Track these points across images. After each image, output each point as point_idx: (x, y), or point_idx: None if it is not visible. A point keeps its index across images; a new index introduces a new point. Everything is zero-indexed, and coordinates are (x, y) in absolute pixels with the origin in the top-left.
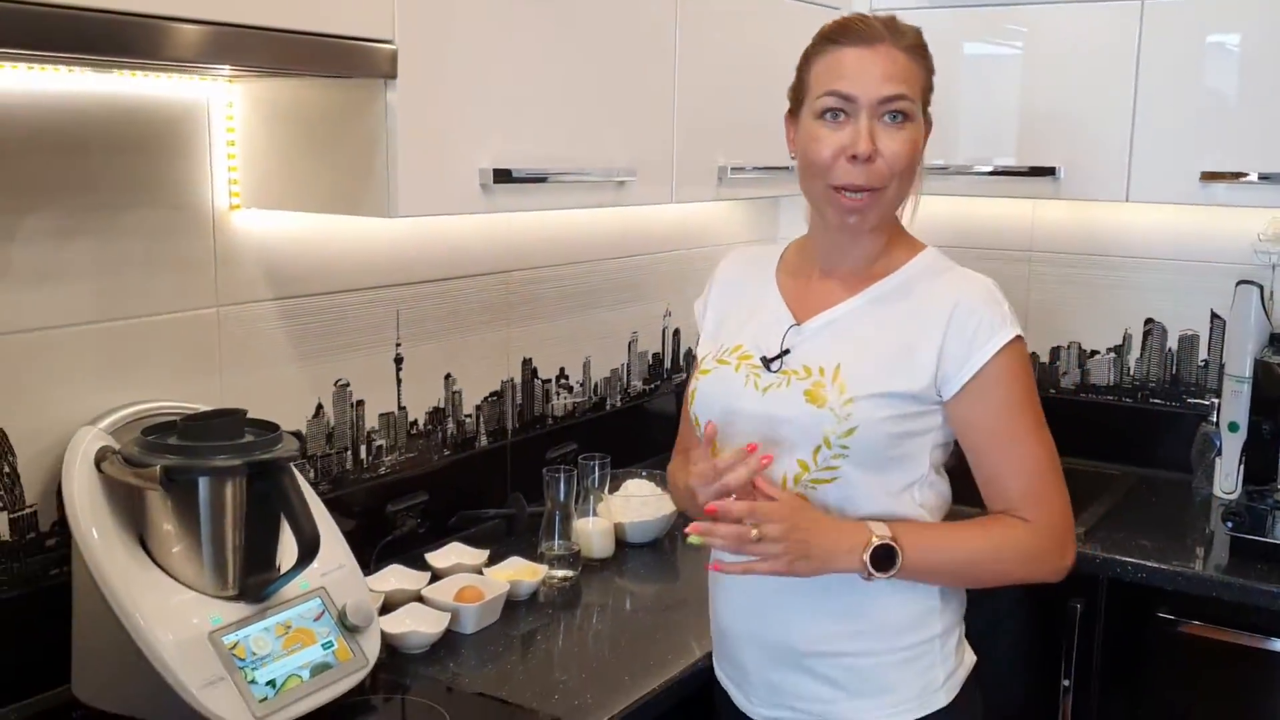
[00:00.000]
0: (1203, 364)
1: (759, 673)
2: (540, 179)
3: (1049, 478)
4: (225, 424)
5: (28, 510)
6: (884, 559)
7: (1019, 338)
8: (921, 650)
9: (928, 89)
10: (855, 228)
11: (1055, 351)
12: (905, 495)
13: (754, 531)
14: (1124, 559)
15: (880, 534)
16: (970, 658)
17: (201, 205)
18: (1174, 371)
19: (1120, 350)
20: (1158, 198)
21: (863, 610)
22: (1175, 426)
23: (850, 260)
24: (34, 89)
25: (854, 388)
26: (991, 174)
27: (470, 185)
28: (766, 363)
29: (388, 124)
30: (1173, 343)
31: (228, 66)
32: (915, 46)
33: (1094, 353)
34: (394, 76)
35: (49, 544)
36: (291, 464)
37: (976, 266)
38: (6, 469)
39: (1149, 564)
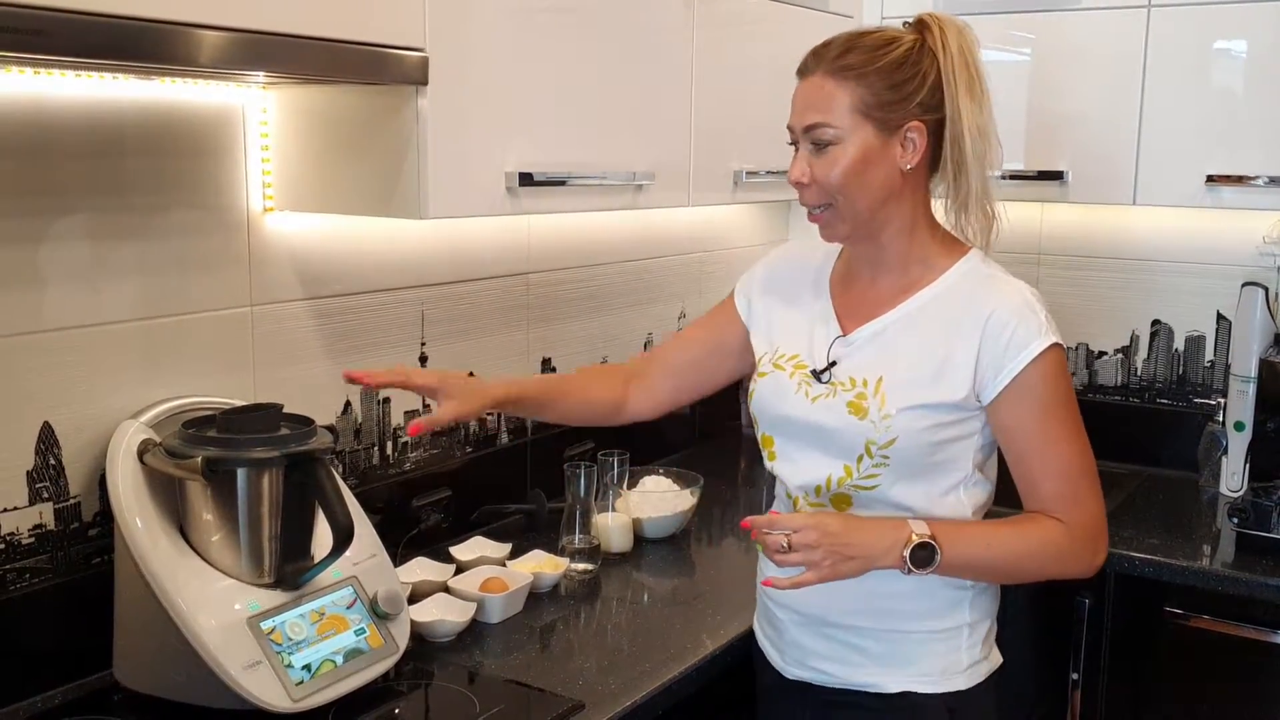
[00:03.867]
0: (1209, 364)
1: (792, 636)
2: (563, 182)
3: (1083, 481)
4: (262, 418)
5: (71, 501)
6: (923, 556)
7: (1055, 345)
8: (949, 634)
9: (868, 103)
10: (829, 239)
11: None
12: (949, 497)
13: (783, 540)
14: (1132, 554)
15: (920, 532)
16: (997, 657)
17: (237, 208)
18: (1180, 372)
19: (1128, 351)
20: (1165, 201)
21: (895, 591)
22: (1181, 426)
23: (882, 269)
24: (80, 94)
25: (894, 400)
26: (1000, 177)
27: (496, 188)
28: (816, 375)
29: (419, 129)
30: (1179, 344)
31: (263, 73)
32: (839, 68)
33: (1101, 354)
34: (425, 83)
35: (91, 533)
36: (326, 456)
37: None
38: (52, 461)
39: (1157, 559)
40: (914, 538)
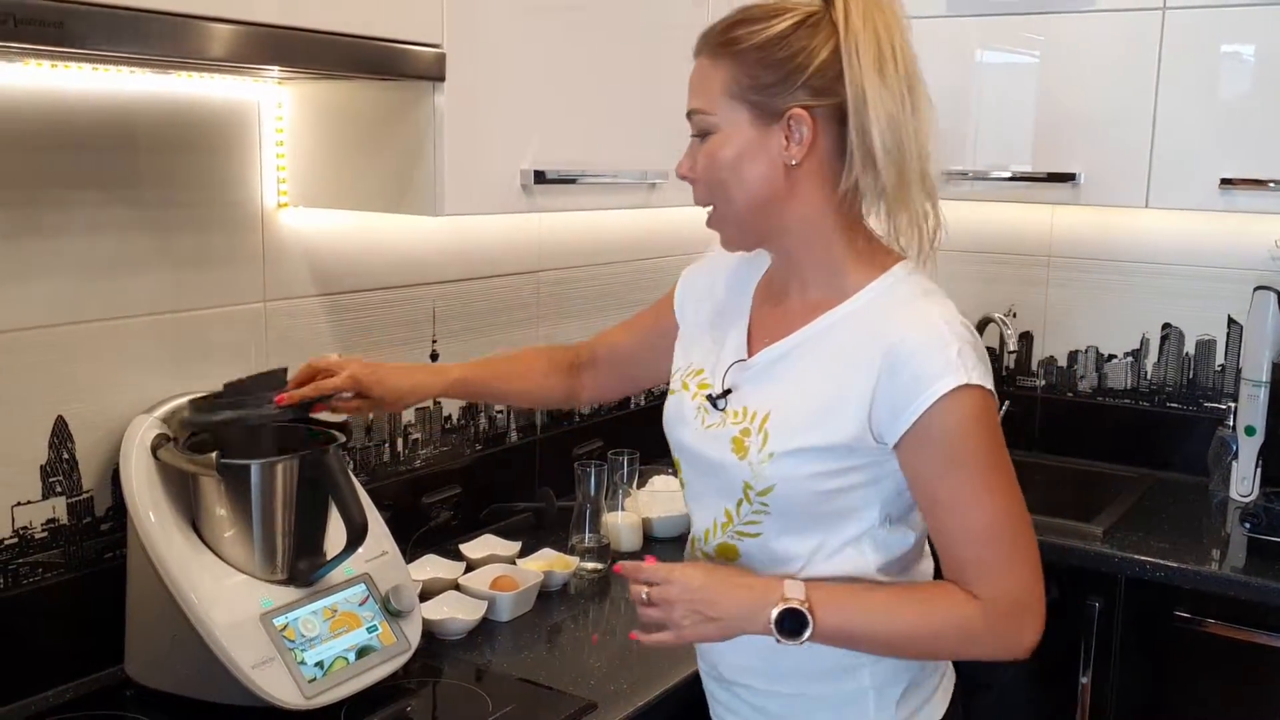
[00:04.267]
0: (1219, 369)
1: (709, 686)
2: (576, 180)
3: (1004, 547)
4: (268, 378)
5: (84, 496)
6: (792, 626)
7: (968, 387)
8: (849, 698)
9: (742, 85)
10: (726, 247)
11: (1073, 355)
12: (848, 551)
13: (644, 593)
14: (1143, 559)
15: (791, 596)
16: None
17: (251, 203)
18: (1191, 376)
19: (1138, 354)
20: (1178, 204)
21: (782, 649)
22: (1191, 430)
23: (795, 283)
24: (97, 88)
25: (776, 440)
26: (1012, 179)
27: (511, 185)
28: (713, 401)
29: (435, 125)
30: (1190, 347)
31: (280, 68)
32: (716, 45)
33: (1111, 357)
34: (442, 79)
35: (104, 528)
36: (341, 452)
37: (995, 271)
38: (66, 455)
39: (1168, 563)
40: (782, 602)
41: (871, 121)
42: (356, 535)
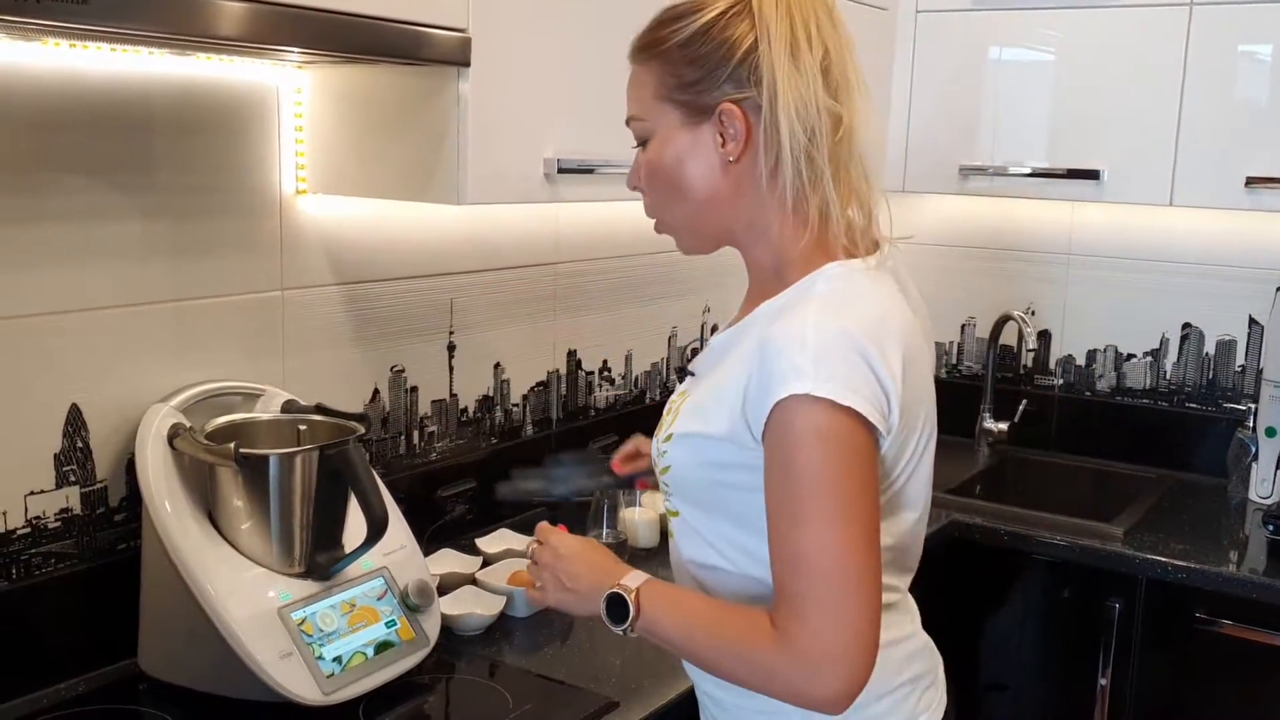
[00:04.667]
0: (1239, 369)
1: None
2: (594, 170)
3: (816, 584)
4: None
5: (98, 485)
6: (618, 612)
7: (811, 398)
8: (777, 712)
9: (669, 85)
10: (687, 254)
11: (1092, 354)
12: (761, 556)
13: (531, 547)
14: (1164, 560)
15: (625, 584)
16: None
17: (269, 189)
18: (1210, 376)
19: (1157, 354)
20: (1203, 202)
21: None
22: (1210, 431)
23: (752, 277)
24: (116, 70)
25: (678, 423)
26: (1034, 176)
27: (534, 175)
28: (680, 375)
29: (458, 112)
30: (1210, 348)
31: (300, 50)
32: (641, 48)
33: (1130, 356)
34: (467, 64)
35: (117, 519)
36: (362, 444)
37: (1014, 268)
38: (80, 444)
39: (1189, 565)
40: (616, 587)
41: (780, 110)
42: (377, 529)
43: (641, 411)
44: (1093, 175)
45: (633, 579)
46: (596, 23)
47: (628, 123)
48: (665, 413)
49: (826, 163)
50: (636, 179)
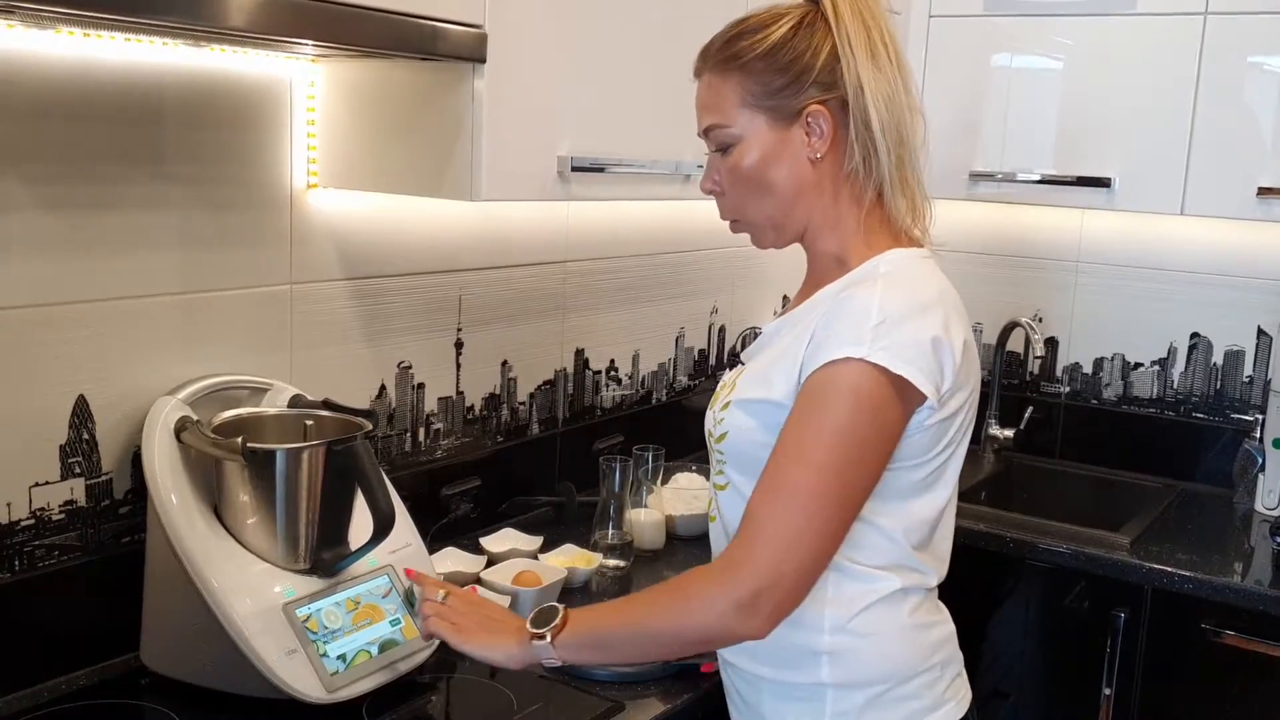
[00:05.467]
0: (1247, 380)
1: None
2: (604, 169)
3: (783, 515)
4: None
5: (104, 477)
6: (543, 618)
7: (863, 363)
8: (806, 693)
9: (756, 94)
10: (762, 248)
11: (1099, 363)
12: None
13: (440, 594)
14: (1171, 570)
15: (535, 630)
16: None
17: (280, 183)
18: (1218, 386)
19: (1164, 363)
20: (1214, 212)
21: None
22: (1217, 441)
23: (815, 265)
24: (128, 60)
25: (737, 392)
26: (1045, 183)
27: (548, 173)
28: (731, 363)
29: (473, 108)
30: (1218, 358)
31: (314, 43)
32: (721, 60)
33: (1138, 365)
34: (483, 60)
35: (122, 511)
36: (369, 440)
37: (1022, 275)
38: (86, 436)
39: (1194, 575)
40: (543, 607)
41: (870, 107)
42: (384, 526)
43: (647, 412)
44: (1103, 183)
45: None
46: (612, 21)
47: (706, 132)
48: (720, 388)
49: (907, 158)
50: (713, 183)
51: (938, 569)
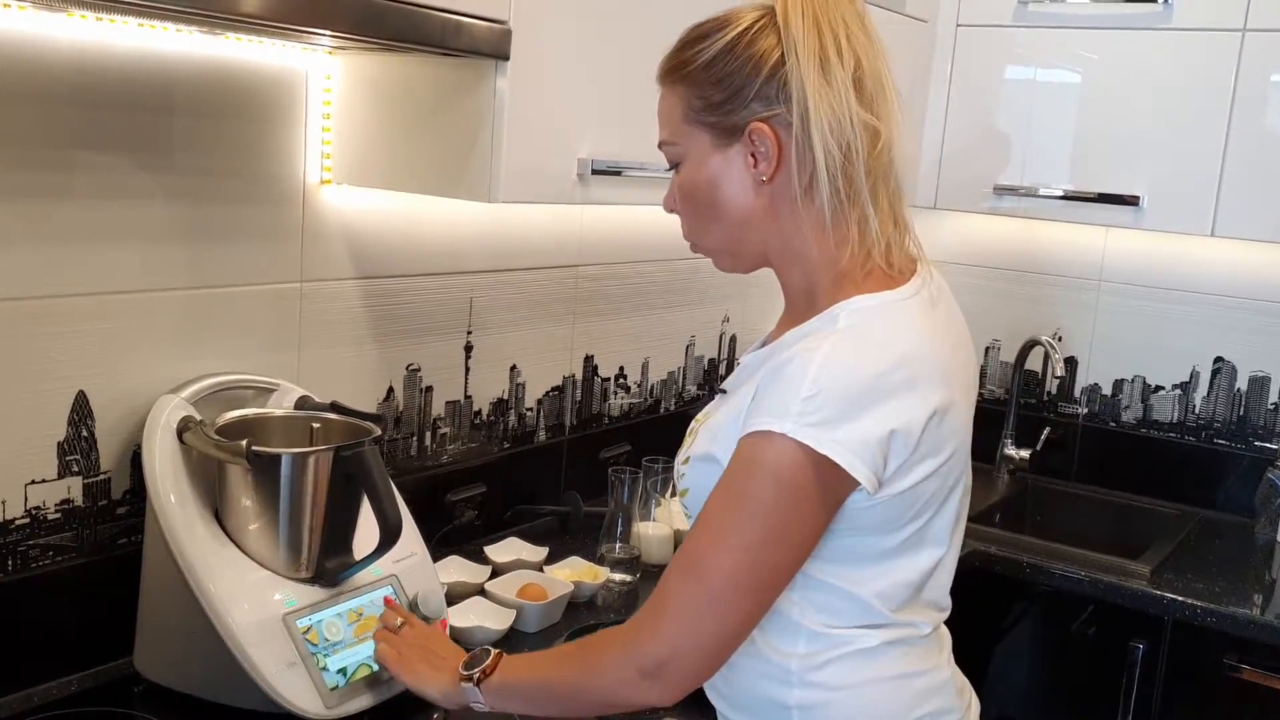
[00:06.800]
0: (1272, 407)
1: None
2: (620, 173)
3: (691, 590)
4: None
5: (102, 476)
6: (477, 662)
7: (784, 439)
8: (772, 716)
9: (696, 107)
10: (726, 271)
11: (1119, 384)
12: (783, 596)
13: (398, 621)
14: (1193, 602)
15: (467, 671)
16: None
17: (293, 178)
18: (1241, 413)
19: (1186, 387)
20: (1246, 234)
21: (728, 667)
22: (1238, 469)
23: (787, 295)
24: (143, 46)
25: (697, 444)
26: (1071, 199)
27: (567, 175)
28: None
29: (495, 107)
30: (1242, 383)
31: (331, 34)
32: (667, 71)
33: (1159, 388)
34: (506, 58)
35: (120, 512)
36: (377, 446)
37: (1043, 293)
38: (85, 433)
39: (1218, 608)
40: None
41: (813, 126)
42: (390, 535)
43: (655, 422)
44: (1132, 201)
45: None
46: (637, 20)
47: (660, 146)
48: (688, 433)
49: (864, 179)
50: (672, 202)
51: (932, 617)
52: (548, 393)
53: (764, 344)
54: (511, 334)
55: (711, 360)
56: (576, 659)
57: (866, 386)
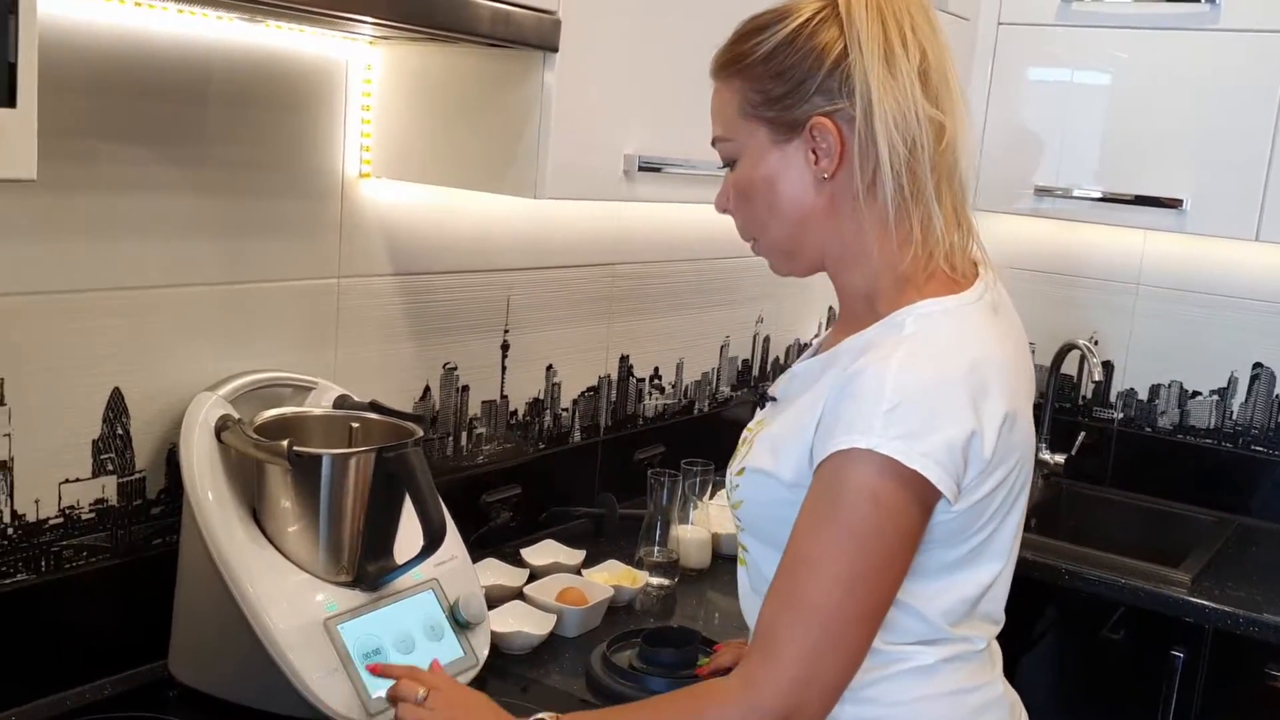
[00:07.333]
0: None
1: None
2: (672, 169)
3: (803, 631)
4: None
5: (136, 475)
6: None
7: (875, 455)
8: None
9: (753, 102)
10: (780, 274)
11: (1155, 389)
12: None
13: (420, 692)
14: (1233, 610)
15: (542, 716)
16: None
17: (331, 171)
18: (1279, 419)
19: (1224, 393)
20: None
21: None
22: (1275, 476)
23: (843, 302)
24: (181, 34)
25: (752, 456)
26: (1112, 201)
27: (613, 171)
28: (760, 401)
29: (542, 99)
30: None
31: (374, 21)
32: (722, 65)
33: (1196, 393)
34: (555, 49)
35: (154, 512)
36: (419, 447)
37: (1080, 295)
38: (120, 431)
39: (1261, 616)
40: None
41: (876, 120)
42: (434, 538)
43: (688, 423)
44: (1175, 204)
45: (545, 715)
46: (687, 10)
47: (713, 143)
48: (741, 442)
49: (929, 176)
50: (725, 201)
51: (988, 631)
52: (583, 393)
53: (816, 352)
54: (548, 333)
55: (745, 361)
56: (679, 715)
57: (945, 394)
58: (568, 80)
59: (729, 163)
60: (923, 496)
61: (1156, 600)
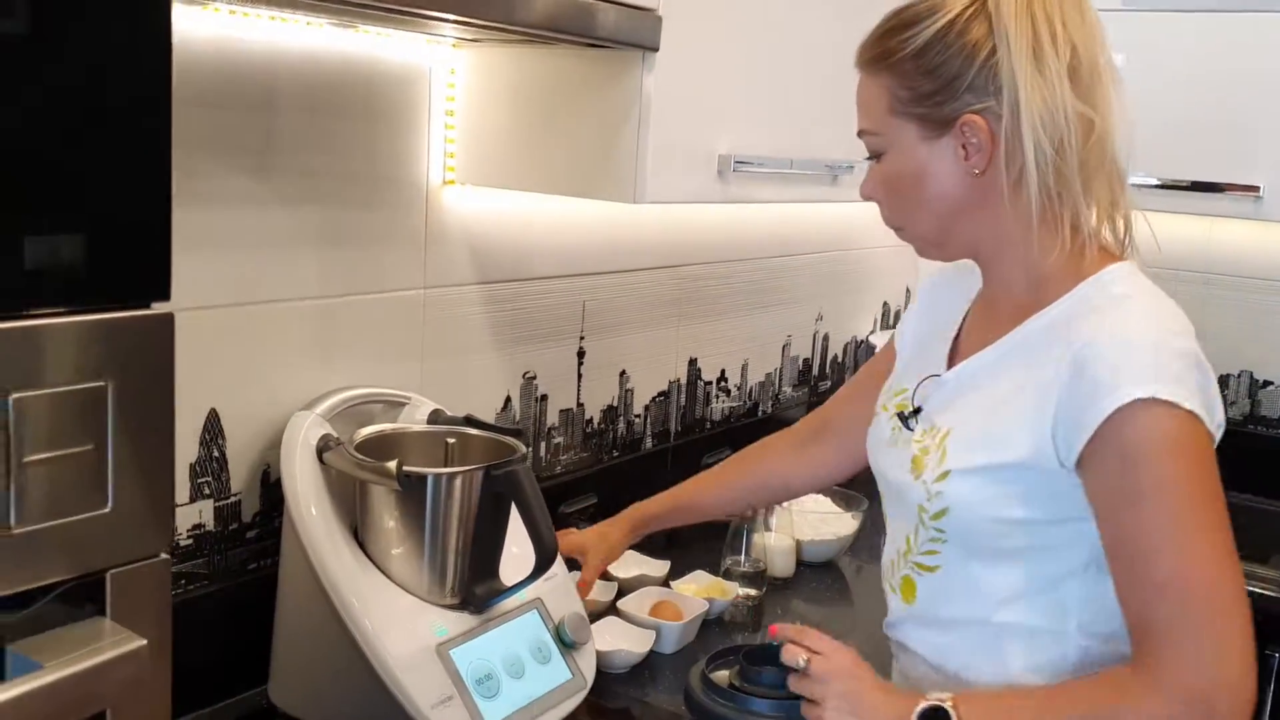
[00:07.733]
0: None
1: None
2: (768, 169)
3: (1186, 610)
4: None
5: (233, 499)
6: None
7: (1160, 402)
8: None
9: (903, 98)
10: (928, 259)
11: (1224, 379)
12: (1040, 603)
13: (802, 659)
14: None
15: (934, 696)
16: None
17: (416, 179)
18: None
19: None
20: None
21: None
22: None
23: (1002, 288)
24: (267, 42)
25: (954, 458)
26: (1188, 189)
27: (708, 173)
28: (904, 420)
29: (641, 102)
30: None
31: (458, 19)
32: (871, 59)
33: (1268, 384)
34: (655, 49)
35: (249, 536)
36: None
37: None
38: (217, 453)
39: None
40: (924, 700)
41: (1024, 120)
42: (547, 557)
43: (753, 425)
44: (1252, 190)
45: (938, 692)
46: (787, 5)
47: (859, 135)
48: (919, 454)
49: (1076, 174)
50: (871, 190)
51: None
52: (654, 398)
53: (978, 353)
54: (621, 338)
55: (806, 360)
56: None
57: (1185, 343)
58: (668, 79)
59: (875, 155)
60: (1206, 435)
61: (1252, 599)
